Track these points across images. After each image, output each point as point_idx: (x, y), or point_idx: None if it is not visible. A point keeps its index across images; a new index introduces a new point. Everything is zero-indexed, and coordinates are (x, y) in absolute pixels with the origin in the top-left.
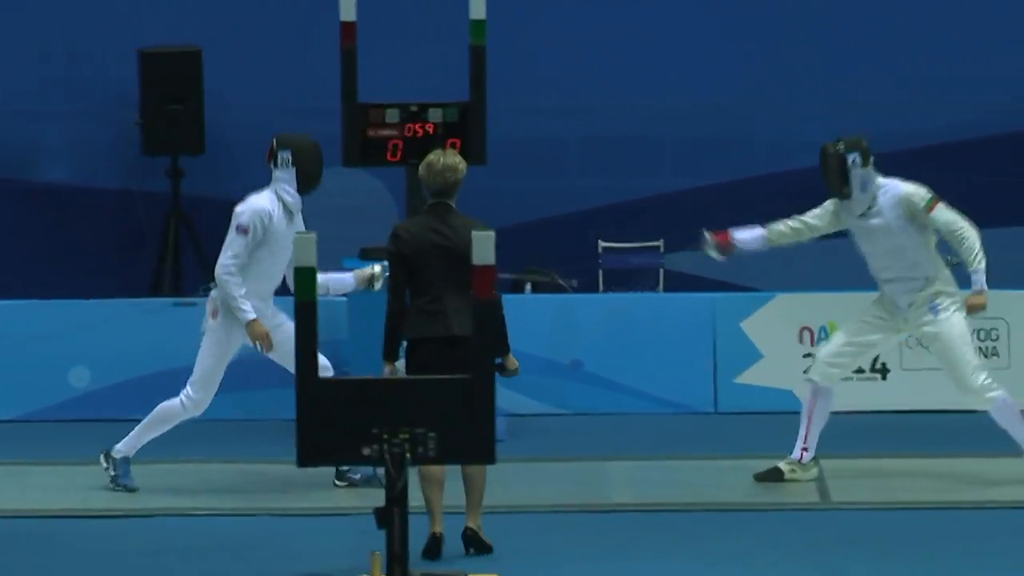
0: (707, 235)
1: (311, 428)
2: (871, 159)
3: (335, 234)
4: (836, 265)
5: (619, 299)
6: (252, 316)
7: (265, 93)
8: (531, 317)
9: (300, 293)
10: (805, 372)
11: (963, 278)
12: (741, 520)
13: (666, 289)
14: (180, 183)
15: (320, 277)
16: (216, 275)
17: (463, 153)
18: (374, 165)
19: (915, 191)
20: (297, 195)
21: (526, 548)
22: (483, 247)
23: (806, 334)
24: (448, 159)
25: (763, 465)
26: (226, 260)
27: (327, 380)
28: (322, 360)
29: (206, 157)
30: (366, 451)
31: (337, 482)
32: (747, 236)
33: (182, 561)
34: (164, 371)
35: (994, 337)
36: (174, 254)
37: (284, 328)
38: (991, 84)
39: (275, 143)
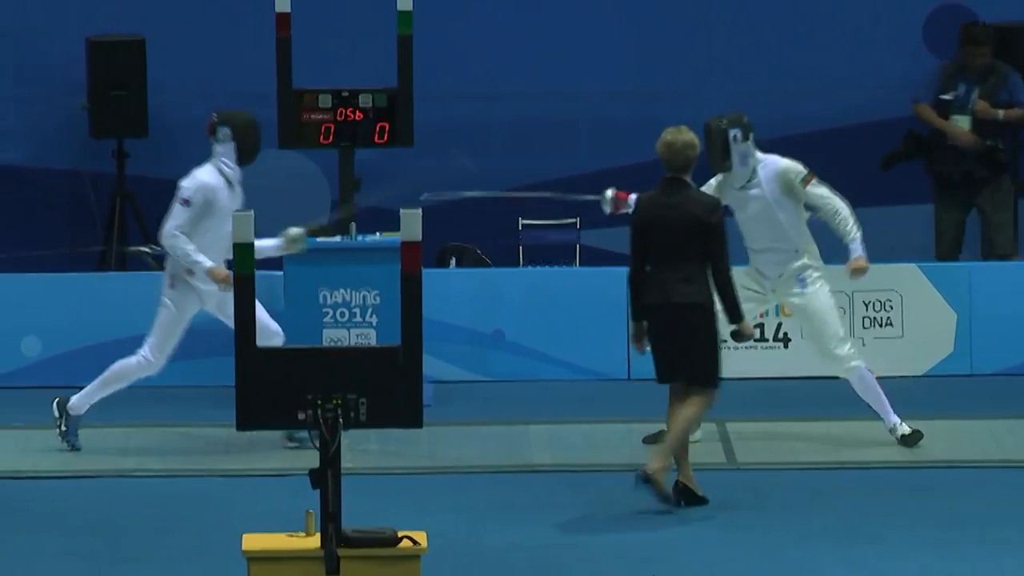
0: (609, 191)
1: (250, 394)
2: (751, 134)
3: (272, 212)
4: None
5: (538, 273)
6: (208, 263)
7: (205, 79)
8: (456, 290)
9: (238, 267)
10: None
11: (832, 252)
12: None
13: (582, 264)
14: (125, 164)
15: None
16: (162, 242)
17: (391, 136)
18: (308, 147)
19: (792, 166)
20: (237, 167)
21: (452, 506)
22: (411, 224)
23: None
24: (685, 136)
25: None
26: (169, 227)
27: (265, 349)
28: (274, 326)
29: (149, 140)
30: (301, 416)
31: (287, 443)
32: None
33: (129, 519)
34: (112, 340)
35: (888, 308)
36: (120, 230)
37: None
38: (883, 70)
39: (215, 118)
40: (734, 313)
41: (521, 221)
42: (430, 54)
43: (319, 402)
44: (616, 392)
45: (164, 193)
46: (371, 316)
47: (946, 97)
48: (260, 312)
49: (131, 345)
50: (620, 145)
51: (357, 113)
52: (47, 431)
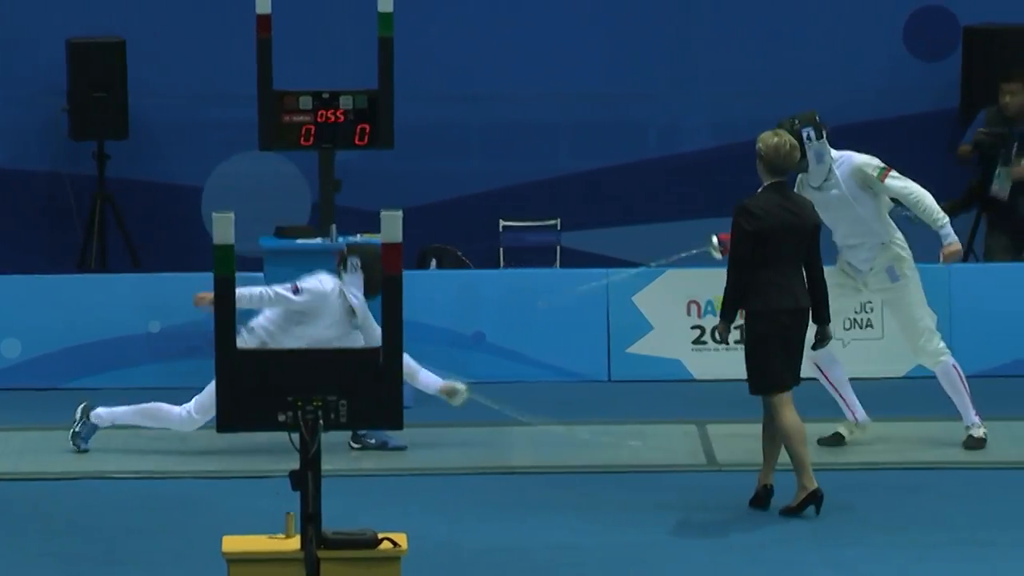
0: (714, 237)
1: (230, 396)
2: (825, 132)
3: (252, 214)
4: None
5: (518, 275)
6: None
7: (185, 81)
8: (436, 292)
9: (219, 269)
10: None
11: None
12: (633, 481)
13: (562, 265)
14: (105, 166)
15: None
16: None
17: (372, 137)
18: (288, 149)
19: (867, 161)
20: (363, 298)
21: (433, 508)
22: (391, 226)
23: (693, 307)
24: (788, 138)
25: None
26: (273, 289)
27: (245, 351)
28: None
29: (130, 142)
30: (281, 418)
31: (352, 444)
32: None
33: (109, 522)
34: (92, 342)
35: (868, 310)
36: (100, 232)
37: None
38: (863, 72)
39: (346, 251)
40: (827, 313)
41: (501, 223)
42: (410, 56)
43: (300, 404)
44: (596, 394)
45: (144, 195)
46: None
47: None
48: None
49: (109, 347)
50: (600, 147)
51: (338, 115)
52: (27, 433)
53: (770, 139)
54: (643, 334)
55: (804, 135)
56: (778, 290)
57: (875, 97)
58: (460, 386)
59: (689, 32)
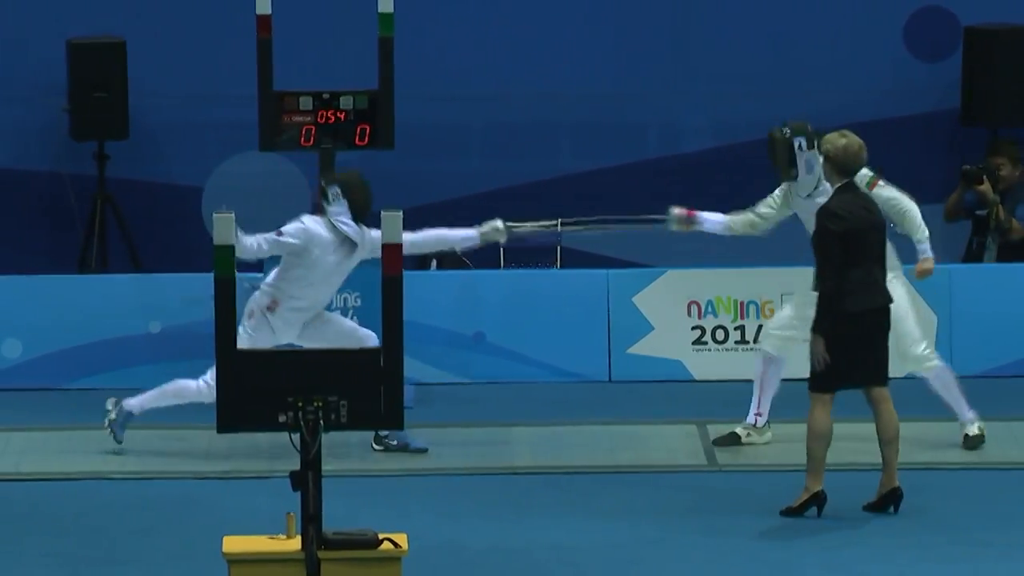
0: (674, 210)
1: (230, 396)
2: (816, 142)
3: (252, 215)
4: (721, 242)
5: (519, 275)
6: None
7: (186, 82)
8: (436, 292)
9: (219, 270)
10: (756, 343)
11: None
12: (633, 481)
13: (563, 266)
14: (106, 166)
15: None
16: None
17: (372, 138)
18: (289, 150)
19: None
20: (355, 224)
21: (433, 509)
22: (392, 227)
23: (694, 308)
24: (856, 138)
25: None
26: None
27: (245, 351)
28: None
29: (130, 142)
30: (282, 418)
31: (375, 446)
32: (710, 217)
33: (109, 522)
34: (93, 343)
35: None
36: (100, 233)
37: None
38: (863, 72)
39: (323, 183)
40: None
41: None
42: (411, 56)
43: (300, 404)
44: (597, 394)
45: (145, 196)
46: (352, 318)
47: (980, 214)
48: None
49: (110, 347)
50: (601, 147)
51: (338, 115)
52: (28, 433)
53: (838, 140)
54: (644, 334)
55: (795, 144)
56: (868, 289)
57: (876, 98)
58: (499, 224)
59: (689, 32)
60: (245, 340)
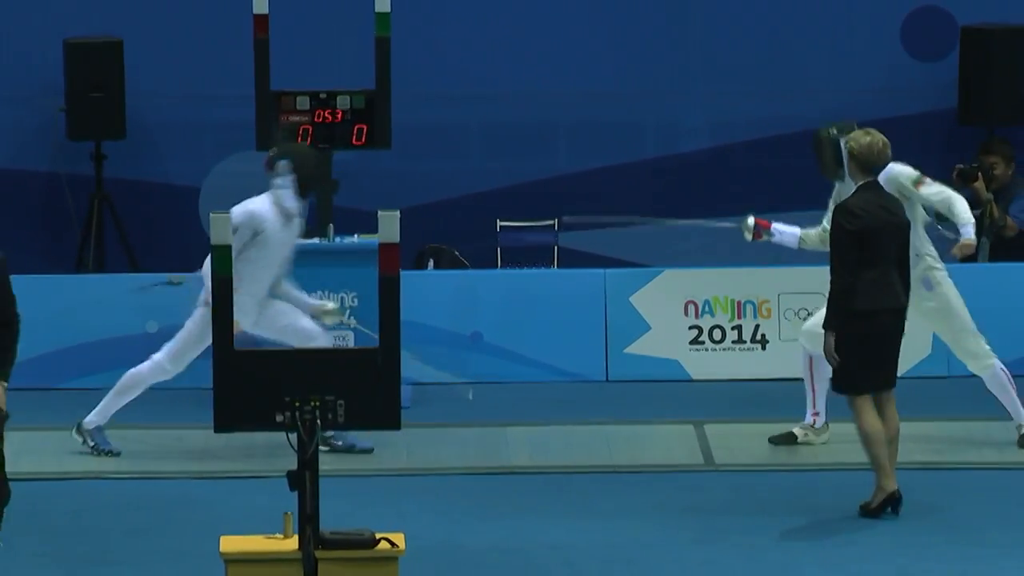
0: (749, 219)
1: (227, 396)
2: None
3: None
4: (718, 242)
5: (516, 275)
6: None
7: (183, 82)
8: (433, 292)
9: (217, 269)
10: (799, 340)
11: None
12: (631, 481)
13: (560, 265)
14: (103, 167)
15: None
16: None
17: (369, 138)
18: None
19: (903, 170)
20: (296, 200)
21: (430, 508)
22: (388, 226)
23: (691, 307)
24: (880, 136)
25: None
26: None
27: (243, 351)
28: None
29: (127, 142)
30: (279, 418)
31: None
32: (784, 229)
33: (105, 522)
34: (89, 343)
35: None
36: (97, 233)
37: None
38: (861, 71)
39: (273, 152)
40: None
41: (499, 223)
42: (408, 56)
43: (297, 404)
44: (594, 394)
45: (141, 195)
46: (349, 318)
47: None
48: (300, 318)
49: (103, 347)
50: (599, 147)
51: (335, 115)
52: (24, 433)
53: (862, 138)
54: (641, 334)
55: (843, 144)
56: (882, 289)
57: (873, 97)
58: (330, 306)
59: (687, 32)
60: (202, 322)
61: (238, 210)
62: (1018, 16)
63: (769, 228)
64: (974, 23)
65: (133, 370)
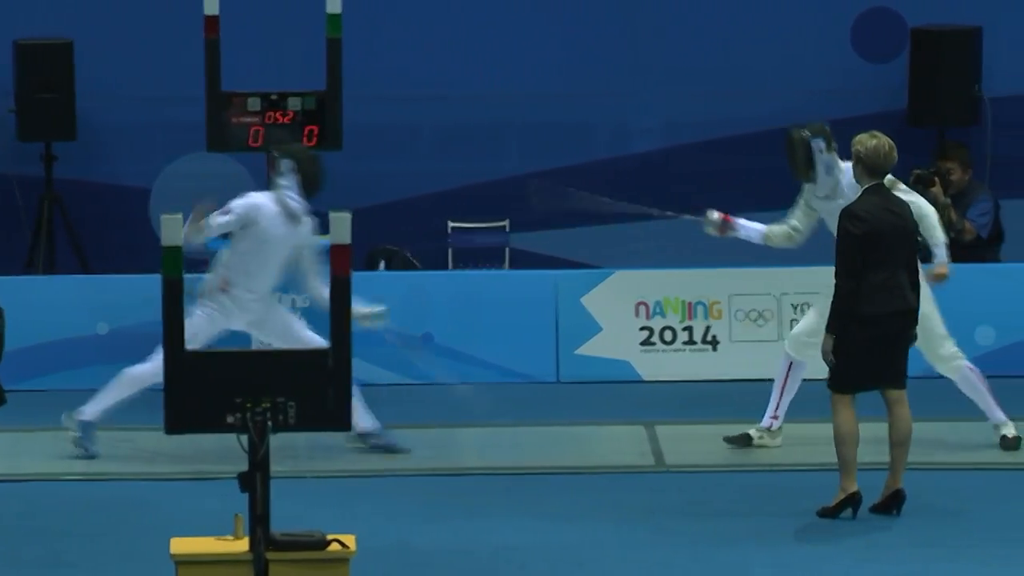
0: (712, 214)
1: (179, 397)
2: (834, 144)
3: None
4: (669, 244)
5: (467, 276)
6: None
7: (133, 83)
8: (384, 293)
9: (167, 270)
10: (784, 344)
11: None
12: (581, 482)
13: (511, 266)
14: (53, 167)
15: None
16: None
17: (320, 139)
18: (237, 150)
19: None
20: (303, 201)
21: (381, 510)
22: (340, 228)
23: (642, 308)
24: (886, 139)
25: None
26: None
27: (194, 352)
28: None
29: (78, 143)
30: (230, 419)
31: (348, 444)
32: (747, 225)
33: (56, 522)
34: (39, 344)
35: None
36: (48, 234)
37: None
38: (811, 73)
39: (275, 153)
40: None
41: (450, 224)
42: (358, 57)
43: (248, 405)
44: (545, 395)
45: (92, 197)
46: (300, 319)
47: None
48: (300, 328)
49: (57, 348)
50: (551, 147)
51: (286, 116)
52: None
53: (868, 141)
54: (592, 335)
55: (815, 146)
56: (888, 293)
57: (823, 98)
58: (374, 309)
59: (638, 33)
60: (203, 322)
61: (239, 199)
62: (967, 17)
63: (731, 223)
64: (924, 24)
65: (132, 369)
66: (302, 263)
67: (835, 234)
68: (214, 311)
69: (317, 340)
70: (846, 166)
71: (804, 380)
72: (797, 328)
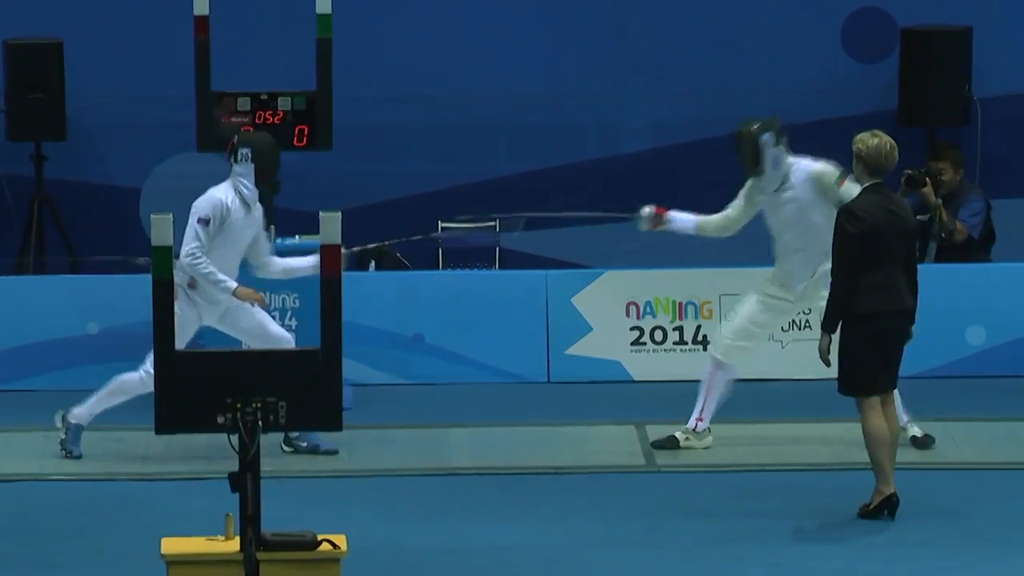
0: (644, 209)
1: (169, 397)
2: (783, 138)
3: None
4: (659, 244)
5: (458, 276)
6: (233, 285)
7: (123, 83)
8: (375, 293)
9: (157, 271)
10: (708, 347)
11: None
12: (572, 482)
13: (501, 267)
14: (43, 168)
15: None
16: (183, 264)
17: (310, 139)
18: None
19: (826, 168)
20: (255, 188)
21: (372, 510)
22: (330, 228)
23: (632, 308)
24: (888, 138)
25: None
26: (190, 248)
27: (184, 352)
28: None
29: (68, 143)
30: (220, 419)
31: (284, 448)
32: (680, 216)
33: (46, 524)
34: (29, 344)
35: (807, 311)
36: (38, 234)
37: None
38: (801, 73)
39: (235, 139)
40: (914, 316)
41: (440, 224)
42: (349, 57)
43: (238, 405)
44: (535, 395)
45: (82, 196)
46: (290, 319)
47: (921, 218)
48: (269, 323)
49: (45, 349)
50: (540, 148)
51: (276, 116)
52: None
53: (869, 140)
54: (582, 335)
55: (762, 140)
56: (884, 292)
57: (813, 98)
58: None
59: (628, 33)
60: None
61: (204, 201)
62: (957, 17)
63: (663, 216)
64: (914, 24)
65: (123, 377)
66: (256, 247)
67: (771, 230)
68: (185, 308)
69: (283, 333)
70: (796, 160)
71: (796, 379)
72: (726, 329)
